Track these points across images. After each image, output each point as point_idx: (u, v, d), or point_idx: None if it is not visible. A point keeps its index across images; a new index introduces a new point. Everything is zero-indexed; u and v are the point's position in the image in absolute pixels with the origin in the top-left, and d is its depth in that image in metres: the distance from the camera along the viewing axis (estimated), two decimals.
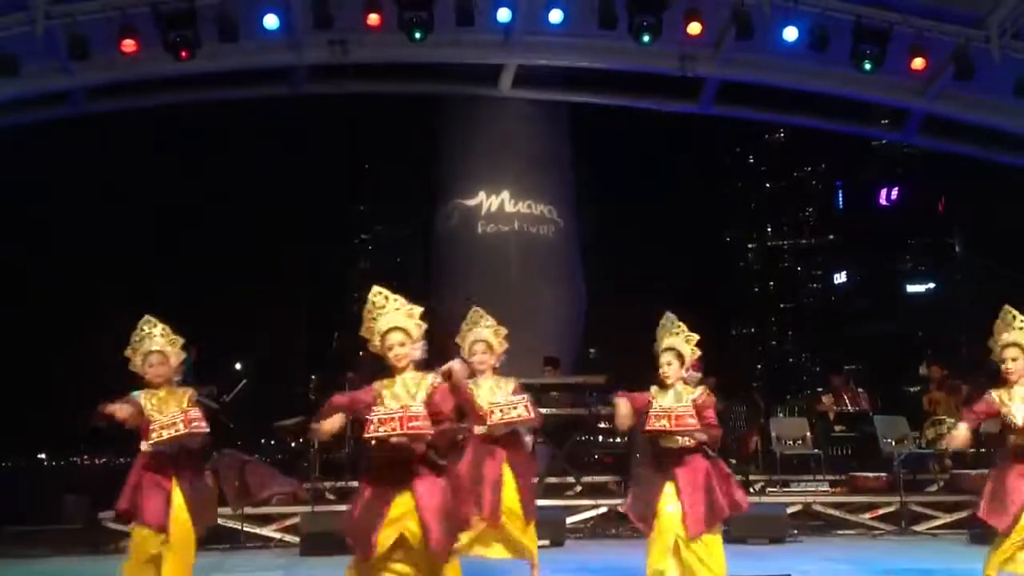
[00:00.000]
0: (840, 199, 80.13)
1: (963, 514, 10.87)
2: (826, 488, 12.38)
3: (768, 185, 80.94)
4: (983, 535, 10.05)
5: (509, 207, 18.26)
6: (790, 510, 11.31)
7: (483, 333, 6.91)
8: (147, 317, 6.41)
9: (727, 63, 13.30)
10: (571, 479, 12.57)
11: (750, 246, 79.28)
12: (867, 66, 12.50)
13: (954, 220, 75.03)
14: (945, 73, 13.02)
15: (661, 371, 6.30)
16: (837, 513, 11.72)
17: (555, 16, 12.42)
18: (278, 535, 10.70)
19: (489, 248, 18.20)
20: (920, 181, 73.51)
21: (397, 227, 63.04)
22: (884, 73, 12.82)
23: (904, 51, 12.63)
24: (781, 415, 14.44)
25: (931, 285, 73.98)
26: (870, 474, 12.66)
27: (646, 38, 12.15)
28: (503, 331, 6.95)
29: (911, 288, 73.93)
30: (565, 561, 8.86)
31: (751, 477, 13.09)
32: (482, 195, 18.40)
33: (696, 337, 6.40)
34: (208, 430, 6.21)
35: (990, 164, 17.08)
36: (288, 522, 10.74)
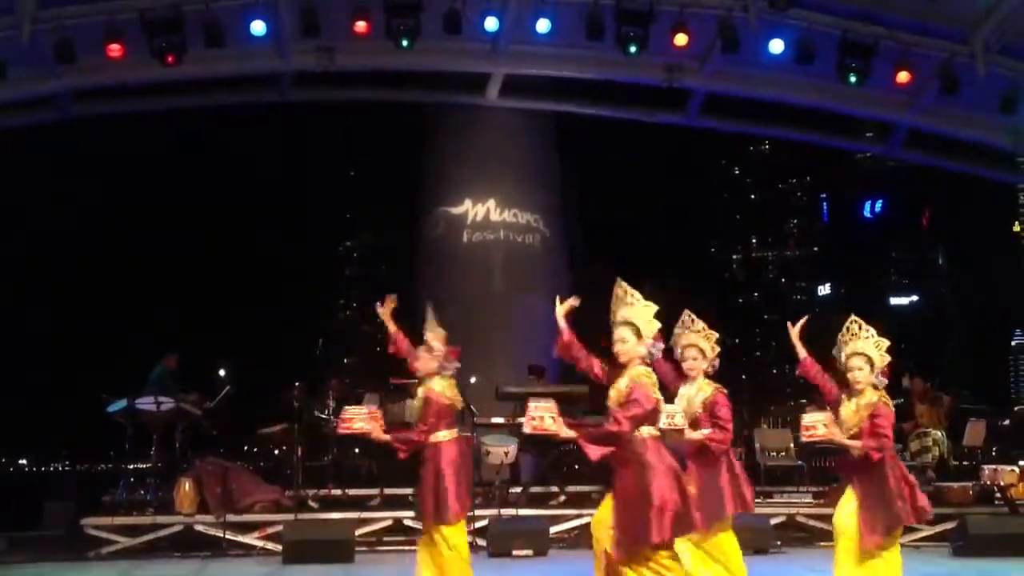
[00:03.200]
0: (825, 211, 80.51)
1: (946, 526, 10.89)
2: (810, 500, 12.38)
3: (753, 197, 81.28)
4: (965, 547, 10.12)
5: (495, 216, 18.27)
6: (774, 521, 11.31)
7: (693, 338, 6.83)
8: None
9: (713, 75, 13.35)
10: (555, 489, 12.56)
11: (735, 257, 79.55)
12: (852, 80, 12.57)
13: (938, 234, 75.54)
14: (930, 88, 13.10)
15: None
16: (821, 524, 11.71)
17: (542, 26, 12.44)
18: (260, 543, 10.63)
19: (475, 256, 18.19)
20: (904, 195, 73.95)
21: (383, 235, 63.01)
22: (869, 87, 12.90)
23: (889, 65, 12.70)
24: (765, 426, 14.42)
25: (914, 298, 74.42)
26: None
27: (633, 49, 12.19)
28: (714, 335, 6.84)
29: (895, 300, 74.34)
30: (549, 571, 8.84)
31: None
32: (468, 203, 18.41)
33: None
34: None
35: (974, 179, 17.20)
36: (270, 530, 10.67)
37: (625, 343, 5.49)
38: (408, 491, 12.60)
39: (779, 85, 13.46)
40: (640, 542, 5.23)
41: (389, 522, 11.04)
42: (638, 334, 5.52)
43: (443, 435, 6.51)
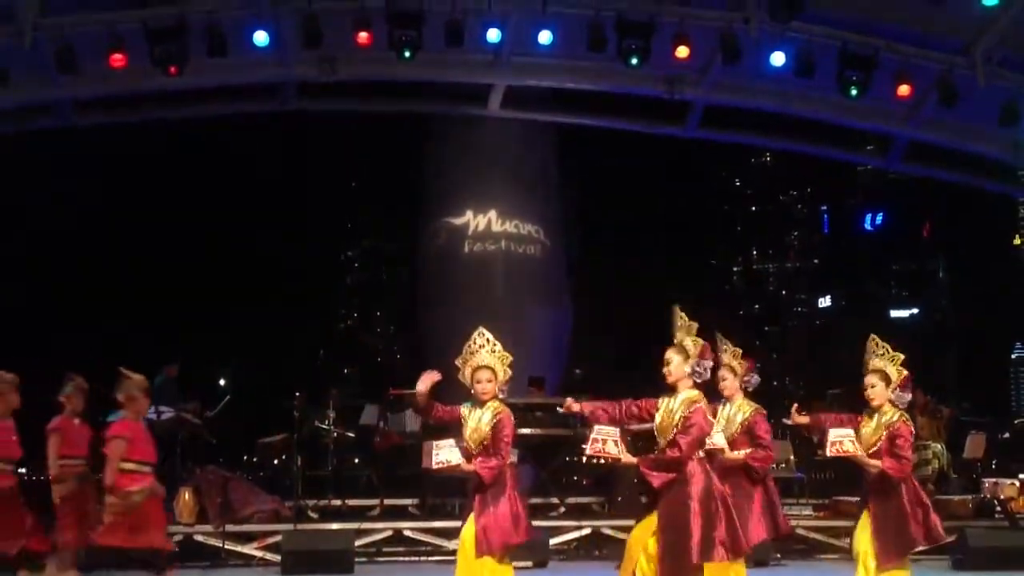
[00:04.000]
0: (825, 223, 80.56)
1: (946, 539, 10.87)
2: (809, 512, 12.38)
3: (754, 209, 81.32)
4: (965, 560, 10.11)
5: (496, 226, 18.29)
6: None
7: (724, 358, 6.84)
8: (480, 329, 6.49)
9: (714, 87, 13.38)
10: (555, 500, 12.55)
11: (735, 269, 79.53)
12: (853, 92, 12.60)
13: (938, 246, 75.55)
14: (930, 100, 13.12)
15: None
16: (820, 537, 11.72)
17: (544, 37, 12.48)
18: (259, 553, 10.62)
19: (476, 267, 18.21)
20: (905, 207, 74.00)
21: (384, 244, 63.02)
22: (869, 99, 12.92)
23: (889, 77, 12.73)
24: None
25: (915, 310, 74.39)
26: (853, 498, 12.64)
27: (634, 61, 12.22)
28: (738, 352, 6.89)
29: (895, 313, 74.28)
30: None
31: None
32: (469, 214, 18.43)
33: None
34: None
35: (974, 191, 17.21)
36: (270, 540, 10.66)
37: (668, 364, 5.67)
38: (407, 501, 12.62)
39: (780, 97, 13.49)
40: (686, 565, 5.35)
41: (389, 533, 11.03)
42: (685, 355, 5.69)
43: (512, 458, 6.48)
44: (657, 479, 5.41)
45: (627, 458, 5.45)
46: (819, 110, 13.65)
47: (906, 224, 76.38)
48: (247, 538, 10.75)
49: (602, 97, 14.25)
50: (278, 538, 10.42)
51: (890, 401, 6.19)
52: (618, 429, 5.52)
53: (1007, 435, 15.35)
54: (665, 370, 5.67)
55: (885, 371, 6.20)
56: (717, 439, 6.37)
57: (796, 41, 12.54)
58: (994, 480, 12.55)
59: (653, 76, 13.13)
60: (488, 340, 6.48)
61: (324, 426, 12.16)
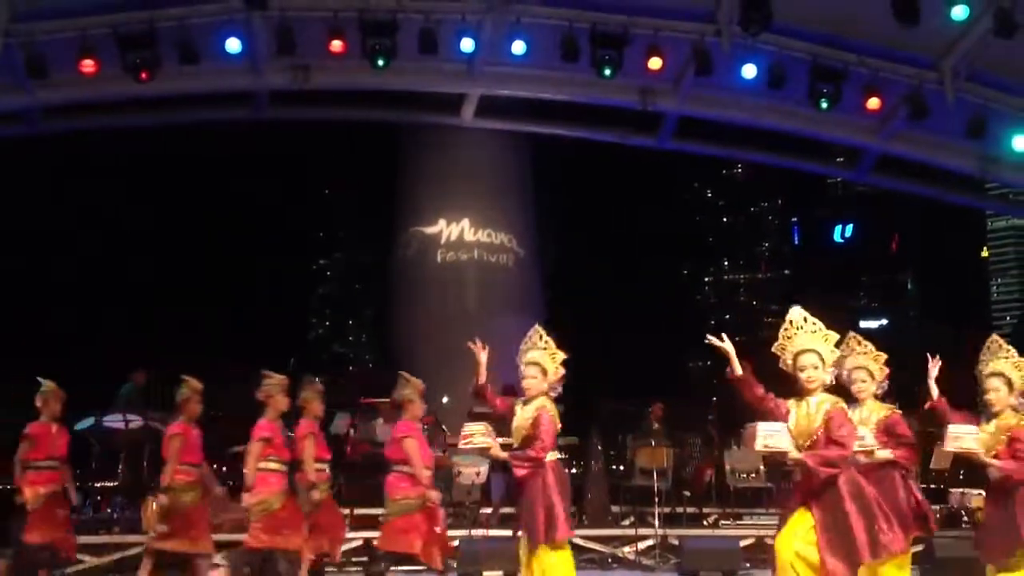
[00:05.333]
0: (796, 235, 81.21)
1: (914, 549, 10.94)
2: (778, 522, 12.40)
3: (725, 219, 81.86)
4: (932, 571, 10.18)
5: (469, 235, 18.32)
6: (743, 543, 11.34)
7: (861, 360, 6.82)
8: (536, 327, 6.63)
9: (687, 99, 13.44)
10: None
11: (707, 279, 79.99)
12: (823, 105, 12.69)
13: (907, 258, 76.31)
14: (899, 113, 13.24)
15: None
16: None
17: (518, 47, 12.49)
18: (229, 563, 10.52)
19: (448, 276, 18.23)
20: (874, 219, 74.72)
21: (357, 254, 62.89)
22: (840, 112, 13.02)
23: (860, 91, 12.83)
24: (735, 448, 14.49)
25: (884, 321, 75.07)
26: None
27: (607, 72, 12.26)
28: (882, 356, 6.83)
29: (864, 324, 74.90)
30: None
31: (705, 510, 13.14)
32: (442, 223, 18.45)
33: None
34: None
35: (943, 204, 17.37)
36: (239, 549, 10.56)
37: (815, 370, 5.68)
38: (378, 511, 12.55)
39: (751, 109, 13.56)
40: (855, 563, 5.40)
41: (359, 543, 10.97)
42: (823, 362, 5.69)
43: (552, 455, 6.47)
44: (822, 474, 5.45)
45: (794, 454, 5.50)
46: (790, 122, 13.74)
47: (875, 236, 77.18)
48: (218, 547, 10.64)
49: (575, 108, 14.29)
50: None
51: (1011, 407, 6.25)
52: (785, 426, 5.57)
53: None
54: (808, 375, 5.66)
55: (1007, 375, 6.26)
56: (868, 439, 6.44)
57: (768, 54, 12.63)
58: (961, 490, 12.65)
59: (626, 87, 13.17)
60: (541, 337, 6.60)
61: (292, 435, 12.07)
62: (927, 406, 6.60)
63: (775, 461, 6.62)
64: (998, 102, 13.06)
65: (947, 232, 67.01)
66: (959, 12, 11.60)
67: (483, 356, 6.72)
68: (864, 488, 5.55)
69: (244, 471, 7.76)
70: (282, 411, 8.24)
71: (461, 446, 6.40)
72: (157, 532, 7.84)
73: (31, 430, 8.27)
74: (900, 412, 6.80)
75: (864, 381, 6.75)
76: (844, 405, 5.68)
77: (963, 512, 12.48)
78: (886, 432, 6.61)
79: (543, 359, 6.54)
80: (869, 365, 6.80)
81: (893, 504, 6.37)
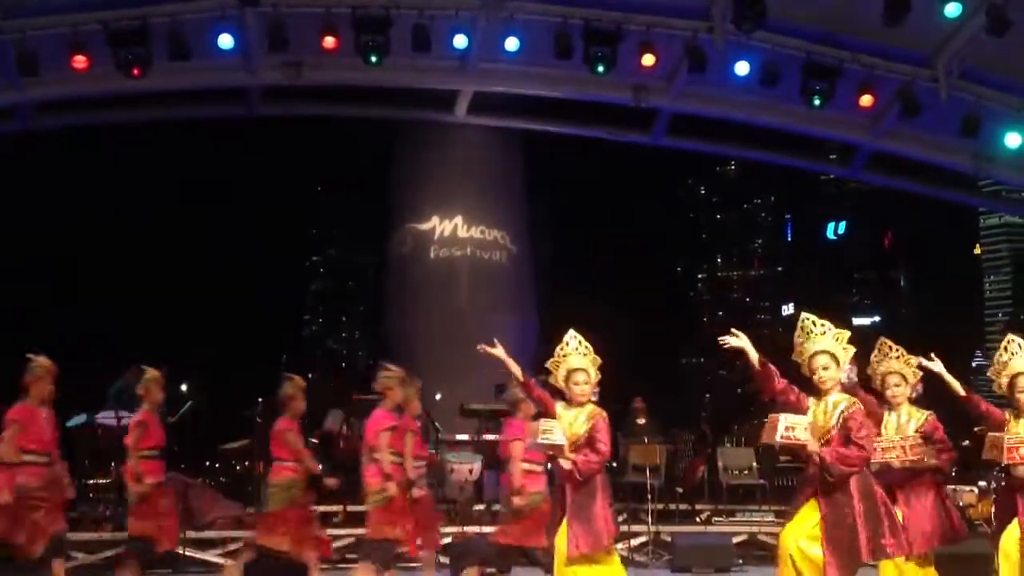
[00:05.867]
0: (789, 232, 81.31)
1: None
2: (772, 518, 12.43)
3: (719, 216, 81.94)
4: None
5: (462, 232, 18.29)
6: (736, 540, 11.36)
7: (894, 364, 6.85)
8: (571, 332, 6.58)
9: (680, 96, 13.45)
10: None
11: (700, 276, 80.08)
12: (816, 102, 12.71)
13: (899, 255, 76.49)
14: (892, 110, 13.26)
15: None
16: None
17: (511, 44, 12.49)
18: (220, 560, 10.52)
19: (441, 273, 18.20)
20: (867, 216, 74.86)
21: (350, 250, 62.86)
22: (833, 109, 13.04)
23: (853, 88, 12.85)
24: (728, 445, 14.53)
25: (876, 318, 75.23)
26: None
27: (601, 68, 12.27)
28: (914, 360, 6.84)
29: (857, 320, 75.05)
30: None
31: (697, 506, 13.15)
32: (435, 220, 18.42)
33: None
34: None
35: (936, 201, 17.40)
36: (231, 547, 10.57)
37: (827, 370, 5.75)
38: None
39: (745, 106, 13.57)
40: (855, 562, 5.47)
41: (352, 539, 10.96)
42: (836, 362, 5.78)
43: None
44: (840, 473, 5.51)
45: (813, 447, 5.55)
46: (783, 120, 13.75)
47: (868, 233, 77.34)
48: (208, 545, 10.65)
49: (569, 104, 14.28)
50: (239, 544, 10.33)
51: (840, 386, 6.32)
52: (807, 417, 5.64)
53: (966, 442, 15.52)
54: (820, 376, 5.74)
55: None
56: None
57: (761, 51, 12.64)
58: (953, 487, 12.66)
59: (619, 84, 13.18)
60: (580, 343, 6.57)
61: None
62: (963, 398, 6.63)
63: (792, 452, 6.61)
64: (991, 99, 13.09)
65: (940, 229, 67.17)
66: (952, 9, 11.63)
67: (500, 351, 6.71)
68: (875, 490, 5.62)
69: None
70: (397, 403, 8.27)
71: (540, 440, 6.38)
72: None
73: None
74: (935, 416, 6.81)
75: (898, 385, 6.79)
76: (861, 406, 5.73)
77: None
78: (925, 438, 6.63)
79: (587, 364, 6.52)
80: (903, 370, 6.84)
81: (921, 511, 6.53)
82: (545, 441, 6.38)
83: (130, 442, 7.96)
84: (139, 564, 7.97)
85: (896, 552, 5.65)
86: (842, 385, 5.81)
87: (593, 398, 6.53)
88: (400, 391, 8.20)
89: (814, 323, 5.90)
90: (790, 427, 5.58)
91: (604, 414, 6.46)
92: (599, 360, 6.55)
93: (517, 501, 7.70)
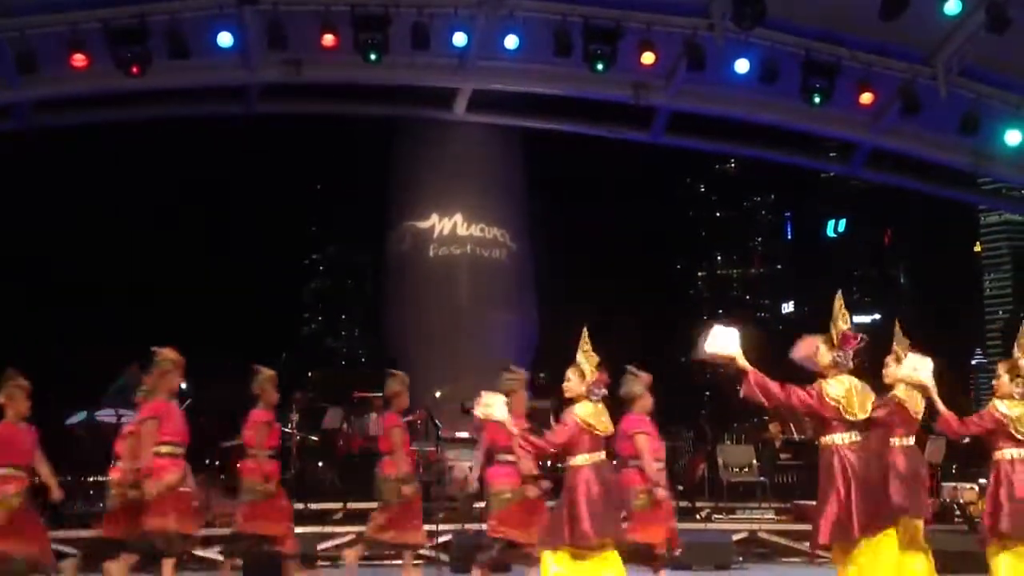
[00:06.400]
0: (789, 230, 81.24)
1: None
2: (772, 516, 12.45)
3: (718, 214, 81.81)
4: None
5: (461, 230, 18.29)
6: (736, 537, 11.37)
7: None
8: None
9: (679, 93, 13.45)
10: None
11: (700, 274, 79.99)
12: (816, 99, 12.71)
13: (899, 253, 76.46)
14: (892, 108, 13.26)
15: None
16: (782, 540, 11.79)
17: (511, 42, 12.48)
18: (221, 557, 10.52)
19: (441, 271, 18.20)
20: (867, 214, 74.81)
21: (349, 249, 62.77)
22: (833, 107, 13.03)
23: (852, 86, 12.85)
24: (728, 442, 14.52)
25: (876, 316, 75.16)
26: (815, 502, 12.74)
27: (600, 66, 12.26)
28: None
29: (856, 319, 74.89)
30: None
31: (697, 504, 13.16)
32: (435, 218, 18.42)
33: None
34: None
35: (936, 199, 17.41)
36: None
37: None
38: (371, 505, 12.56)
39: (744, 104, 13.57)
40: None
41: (352, 536, 10.96)
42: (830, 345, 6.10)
43: (579, 459, 6.38)
44: (749, 393, 5.75)
45: (742, 361, 5.79)
46: (783, 117, 13.75)
47: (868, 231, 77.29)
48: (208, 542, 10.64)
49: (568, 102, 14.27)
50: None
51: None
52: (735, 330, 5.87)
53: (967, 440, 15.52)
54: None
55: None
56: None
57: (760, 48, 12.63)
58: (954, 485, 12.70)
59: (619, 81, 13.17)
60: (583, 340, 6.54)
61: (287, 429, 12.09)
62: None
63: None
64: (991, 97, 13.09)
65: (940, 227, 67.10)
66: (952, 7, 11.64)
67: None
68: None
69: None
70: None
71: (478, 412, 6.45)
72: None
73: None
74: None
75: None
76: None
77: (955, 506, 12.52)
78: None
79: (582, 361, 6.50)
80: None
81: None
82: (482, 413, 6.43)
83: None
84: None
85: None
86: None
87: (594, 397, 6.45)
88: (525, 394, 8.00)
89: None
90: (718, 338, 5.67)
91: (579, 410, 6.39)
92: (596, 359, 6.51)
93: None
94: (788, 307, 76.70)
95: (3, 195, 25.29)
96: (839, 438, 5.78)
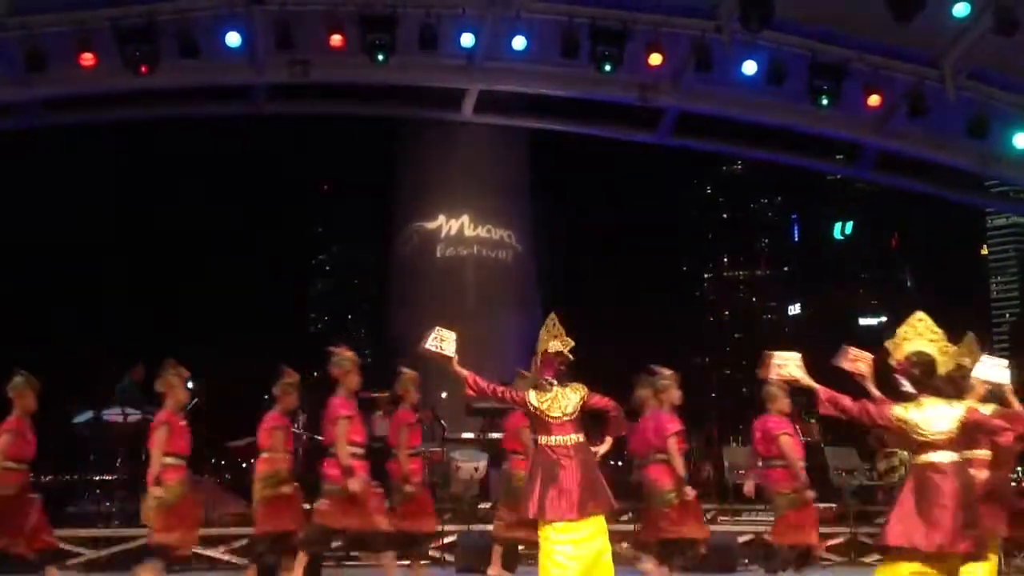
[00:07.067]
0: (795, 232, 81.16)
1: None
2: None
3: (725, 216, 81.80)
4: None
5: (468, 231, 18.32)
6: (741, 540, 11.35)
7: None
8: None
9: (686, 95, 13.43)
10: None
11: (706, 276, 79.97)
12: (823, 101, 12.68)
13: (906, 255, 76.35)
14: (899, 110, 13.23)
15: None
16: None
17: (518, 43, 12.48)
18: (226, 556, 10.55)
19: (447, 272, 18.23)
20: (873, 216, 74.72)
21: (356, 249, 62.87)
22: (840, 109, 13.00)
23: (860, 88, 12.82)
24: (734, 444, 14.52)
25: (883, 319, 75.05)
26: (820, 505, 12.71)
27: (607, 67, 12.25)
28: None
29: (863, 321, 74.92)
30: None
31: (703, 506, 13.12)
32: (442, 218, 18.46)
33: None
34: None
35: (943, 201, 17.36)
36: (236, 544, 10.59)
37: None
38: None
39: (751, 106, 13.55)
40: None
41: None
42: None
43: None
44: (826, 412, 5.59)
45: (806, 380, 5.73)
46: (790, 119, 13.73)
47: (875, 233, 77.20)
48: (214, 542, 10.66)
49: (575, 103, 14.26)
50: (245, 541, 10.35)
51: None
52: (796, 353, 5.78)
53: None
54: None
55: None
56: None
57: (768, 50, 12.61)
58: None
59: (626, 83, 13.16)
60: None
61: (294, 429, 12.09)
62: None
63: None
64: (999, 100, 13.06)
65: (947, 229, 67.01)
66: (960, 9, 11.60)
67: None
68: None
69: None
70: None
71: (427, 345, 6.48)
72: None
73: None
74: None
75: None
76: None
77: None
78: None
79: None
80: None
81: None
82: (432, 346, 6.55)
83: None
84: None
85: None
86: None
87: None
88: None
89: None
90: (781, 364, 5.65)
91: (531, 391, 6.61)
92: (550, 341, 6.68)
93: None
94: (795, 309, 76.62)
95: (12, 193, 25.34)
96: (924, 457, 5.47)
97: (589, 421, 6.70)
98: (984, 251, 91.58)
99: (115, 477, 11.59)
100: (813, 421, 15.11)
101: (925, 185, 15.76)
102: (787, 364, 5.68)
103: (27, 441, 7.88)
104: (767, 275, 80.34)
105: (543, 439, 6.53)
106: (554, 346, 6.62)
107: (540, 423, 6.55)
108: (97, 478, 11.94)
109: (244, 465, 13.92)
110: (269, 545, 8.25)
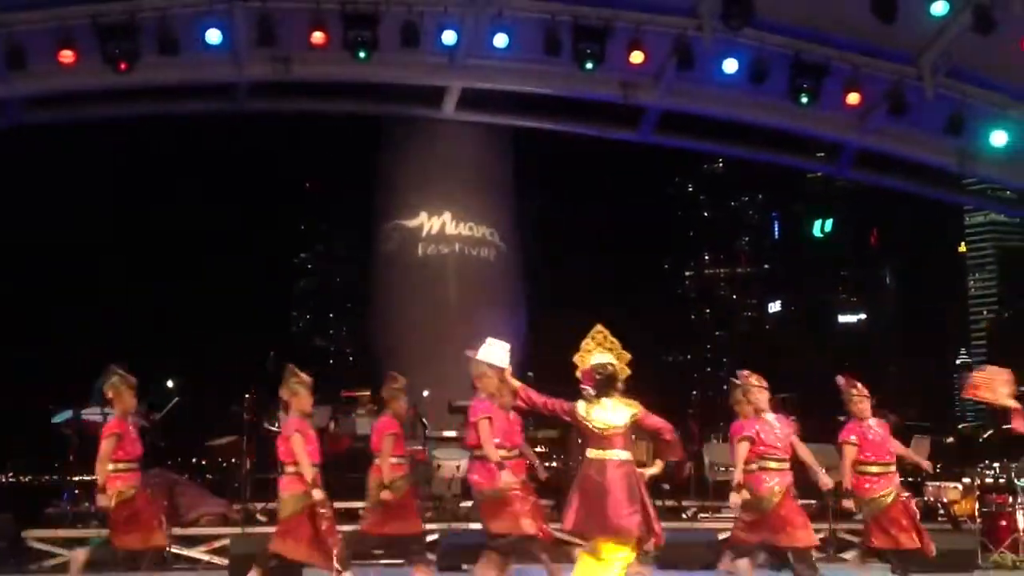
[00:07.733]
0: (776, 229, 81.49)
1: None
2: None
3: (706, 214, 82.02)
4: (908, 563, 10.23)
5: (450, 229, 18.29)
6: (722, 536, 11.37)
7: None
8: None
9: (668, 93, 13.47)
10: None
11: (687, 274, 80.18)
12: (804, 100, 12.75)
13: (885, 253, 76.75)
14: (879, 109, 13.31)
15: None
16: None
17: (500, 40, 12.49)
18: (207, 556, 10.51)
19: (429, 269, 18.19)
20: (853, 214, 75.10)
21: (337, 247, 62.73)
22: (820, 107, 13.08)
23: (840, 86, 12.89)
24: (715, 441, 14.52)
25: (862, 316, 75.47)
26: (799, 501, 12.78)
27: (589, 65, 12.28)
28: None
29: (843, 318, 75.29)
30: None
31: (684, 503, 13.18)
32: (423, 216, 18.41)
33: None
34: None
35: (922, 199, 17.48)
36: (217, 544, 10.55)
37: None
38: (358, 504, 12.55)
39: (732, 104, 13.60)
40: None
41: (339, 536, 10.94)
42: None
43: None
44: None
45: (1004, 400, 5.92)
46: (771, 117, 13.79)
47: (854, 231, 77.58)
48: (194, 541, 10.63)
49: (557, 101, 14.28)
50: (226, 542, 10.31)
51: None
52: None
53: (951, 439, 15.64)
54: None
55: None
56: None
57: (749, 49, 12.67)
58: (938, 484, 12.74)
59: (608, 81, 13.20)
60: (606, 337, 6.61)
61: (274, 428, 12.05)
62: None
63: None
64: (977, 98, 13.15)
65: (925, 227, 67.41)
66: (938, 8, 11.68)
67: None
68: None
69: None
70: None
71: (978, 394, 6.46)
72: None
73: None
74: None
75: None
76: None
77: (939, 505, 12.57)
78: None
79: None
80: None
81: None
82: (484, 357, 6.55)
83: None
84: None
85: None
86: None
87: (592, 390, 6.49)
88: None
89: None
90: (976, 385, 5.68)
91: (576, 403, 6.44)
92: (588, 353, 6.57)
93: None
94: (775, 306, 76.90)
95: (11, 193, 25.18)
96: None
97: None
98: (962, 248, 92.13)
99: (94, 477, 11.52)
100: (793, 418, 15.16)
101: (904, 183, 15.87)
102: (994, 380, 5.64)
103: (132, 439, 7.83)
104: (747, 272, 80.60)
105: (589, 452, 6.38)
106: (590, 359, 6.48)
107: (588, 435, 6.37)
108: (76, 478, 11.88)
109: (225, 464, 13.88)
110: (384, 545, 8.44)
